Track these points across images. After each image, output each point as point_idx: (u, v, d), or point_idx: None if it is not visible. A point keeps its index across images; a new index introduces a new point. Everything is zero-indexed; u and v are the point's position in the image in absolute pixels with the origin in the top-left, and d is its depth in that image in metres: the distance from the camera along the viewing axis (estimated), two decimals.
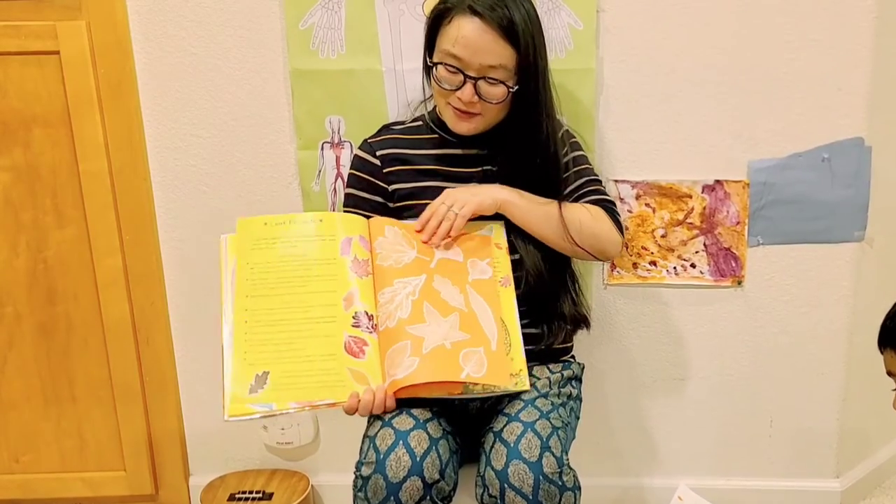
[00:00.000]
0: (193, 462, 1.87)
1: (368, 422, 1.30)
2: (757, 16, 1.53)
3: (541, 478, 1.17)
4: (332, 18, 1.55)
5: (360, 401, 1.20)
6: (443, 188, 1.36)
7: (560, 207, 1.35)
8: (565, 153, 1.41)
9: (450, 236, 1.33)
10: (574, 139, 1.46)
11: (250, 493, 1.76)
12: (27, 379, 1.79)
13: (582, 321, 1.46)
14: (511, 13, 1.26)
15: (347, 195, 1.45)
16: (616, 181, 1.63)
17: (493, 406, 1.34)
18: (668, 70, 1.56)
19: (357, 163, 1.45)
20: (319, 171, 1.64)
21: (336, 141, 1.61)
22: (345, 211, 1.44)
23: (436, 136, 1.43)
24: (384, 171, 1.42)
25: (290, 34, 1.56)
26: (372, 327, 1.27)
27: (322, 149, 1.62)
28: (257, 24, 1.57)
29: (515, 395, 1.30)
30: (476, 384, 1.23)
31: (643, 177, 1.63)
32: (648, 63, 1.56)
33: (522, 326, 1.32)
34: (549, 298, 1.41)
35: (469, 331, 1.26)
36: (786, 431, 1.78)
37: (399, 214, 1.41)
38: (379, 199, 1.43)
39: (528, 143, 1.35)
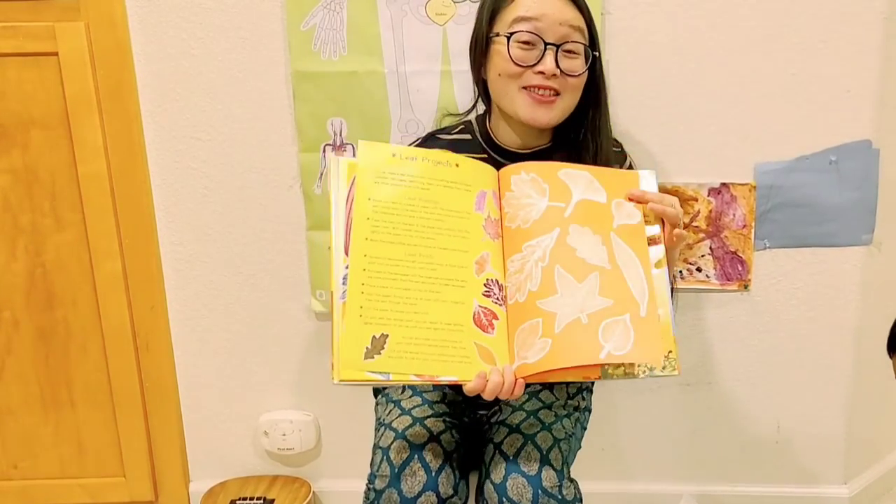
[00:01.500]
0: (194, 468, 1.86)
1: (377, 430, 1.27)
2: (764, 17, 1.51)
3: (539, 492, 1.15)
4: (334, 20, 1.53)
5: (487, 382, 1.07)
6: None
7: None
8: None
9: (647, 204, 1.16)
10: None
11: (251, 499, 1.75)
12: (26, 384, 1.77)
13: None
14: None
15: None
16: None
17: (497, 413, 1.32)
18: (673, 72, 1.55)
19: None
20: (321, 174, 1.62)
21: (338, 143, 1.60)
22: None
23: (485, 154, 1.33)
24: None
25: (291, 35, 1.54)
26: (501, 299, 1.12)
27: (324, 151, 1.61)
28: (258, 26, 1.56)
29: (517, 406, 1.28)
30: (618, 367, 1.07)
31: None
32: (654, 65, 1.55)
33: None
34: None
35: (612, 293, 1.09)
36: (793, 437, 1.76)
37: None
38: None
39: (588, 143, 1.29)
